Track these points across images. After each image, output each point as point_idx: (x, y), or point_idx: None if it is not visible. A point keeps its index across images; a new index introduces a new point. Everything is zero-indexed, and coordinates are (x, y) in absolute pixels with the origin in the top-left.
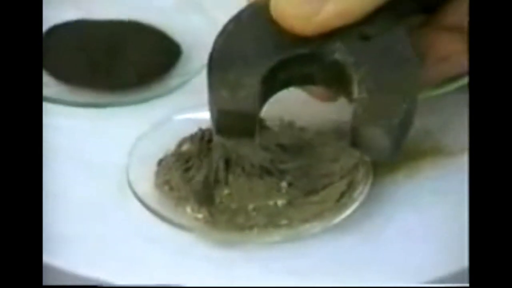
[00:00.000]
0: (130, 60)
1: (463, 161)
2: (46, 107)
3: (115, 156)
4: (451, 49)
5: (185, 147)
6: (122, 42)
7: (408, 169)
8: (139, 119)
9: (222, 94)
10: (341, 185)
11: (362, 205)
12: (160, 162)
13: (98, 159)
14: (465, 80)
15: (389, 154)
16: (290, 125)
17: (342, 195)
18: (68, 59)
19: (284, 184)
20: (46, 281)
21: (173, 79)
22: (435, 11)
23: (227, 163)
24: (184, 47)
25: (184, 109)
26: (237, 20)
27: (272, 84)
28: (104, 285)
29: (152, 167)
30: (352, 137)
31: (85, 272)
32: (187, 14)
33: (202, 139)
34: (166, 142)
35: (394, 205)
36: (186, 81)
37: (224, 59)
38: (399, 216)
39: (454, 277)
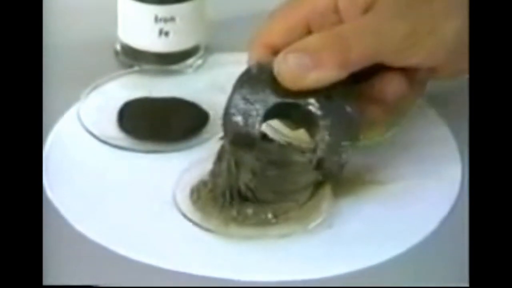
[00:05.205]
0: (176, 123)
1: (391, 188)
2: (121, 154)
3: (167, 184)
4: (375, 118)
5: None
6: (171, 111)
7: (355, 194)
8: (182, 160)
9: (236, 119)
10: (305, 194)
11: (326, 216)
12: (196, 187)
13: (155, 185)
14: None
15: (337, 173)
16: (281, 145)
17: (306, 202)
18: (136, 122)
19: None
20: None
21: (203, 135)
22: (364, 82)
23: (236, 163)
24: (210, 115)
25: (210, 154)
26: (249, 74)
27: (268, 116)
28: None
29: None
30: (317, 162)
31: (126, 252)
32: (213, 93)
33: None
34: (199, 174)
35: (349, 215)
36: (211, 137)
37: (239, 98)
38: (352, 221)
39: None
